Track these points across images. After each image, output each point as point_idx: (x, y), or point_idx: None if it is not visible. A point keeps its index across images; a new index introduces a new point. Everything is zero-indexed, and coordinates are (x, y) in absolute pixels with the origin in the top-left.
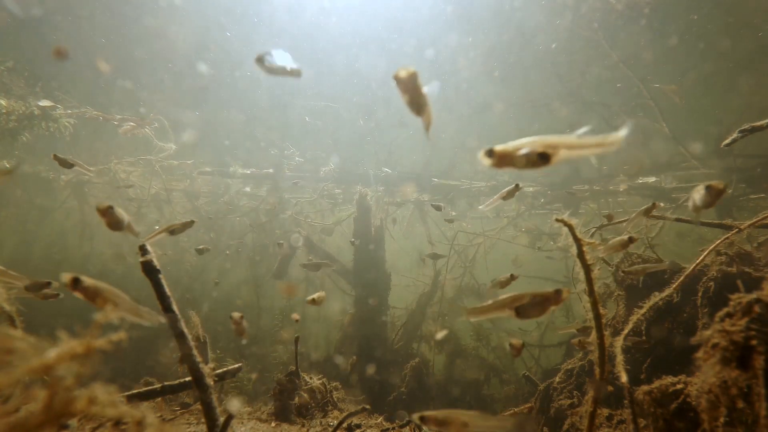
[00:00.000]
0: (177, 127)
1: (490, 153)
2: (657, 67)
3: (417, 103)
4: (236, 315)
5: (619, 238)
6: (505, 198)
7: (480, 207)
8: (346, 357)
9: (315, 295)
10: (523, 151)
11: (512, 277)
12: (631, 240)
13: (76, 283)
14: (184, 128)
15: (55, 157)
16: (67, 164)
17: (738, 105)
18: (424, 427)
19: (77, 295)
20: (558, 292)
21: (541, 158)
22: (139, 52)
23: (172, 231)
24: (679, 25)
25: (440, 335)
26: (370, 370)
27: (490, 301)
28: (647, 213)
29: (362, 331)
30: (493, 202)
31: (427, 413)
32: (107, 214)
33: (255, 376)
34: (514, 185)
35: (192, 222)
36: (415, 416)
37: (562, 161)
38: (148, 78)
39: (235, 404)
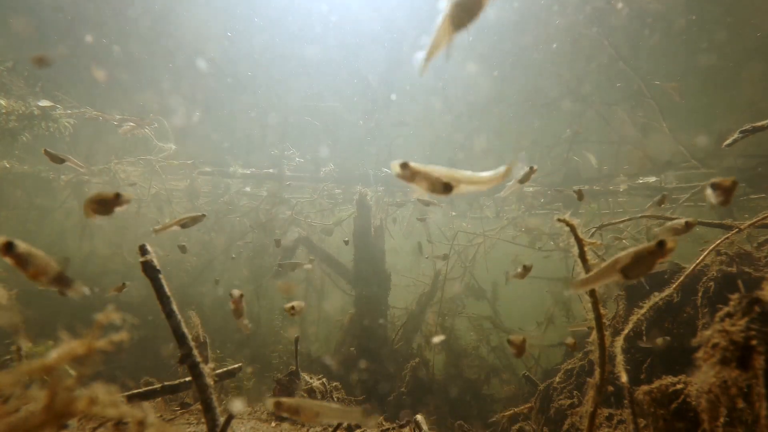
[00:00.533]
0: (177, 127)
1: (405, 166)
2: (658, 65)
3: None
4: (236, 293)
5: (676, 221)
6: (521, 181)
7: (500, 194)
8: (345, 357)
9: (294, 303)
10: (433, 177)
11: (526, 269)
12: (689, 225)
13: (8, 248)
14: (184, 127)
15: (46, 152)
16: (58, 159)
17: (739, 104)
18: (279, 414)
19: (7, 260)
20: (661, 243)
21: (445, 188)
22: (140, 52)
23: (184, 224)
24: (680, 24)
25: (438, 339)
26: (370, 370)
27: (594, 270)
28: (660, 203)
29: (362, 331)
30: (511, 188)
31: (282, 399)
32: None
33: (250, 370)
34: (529, 168)
35: (203, 216)
36: (269, 402)
37: (460, 193)
38: (149, 78)
39: (238, 405)
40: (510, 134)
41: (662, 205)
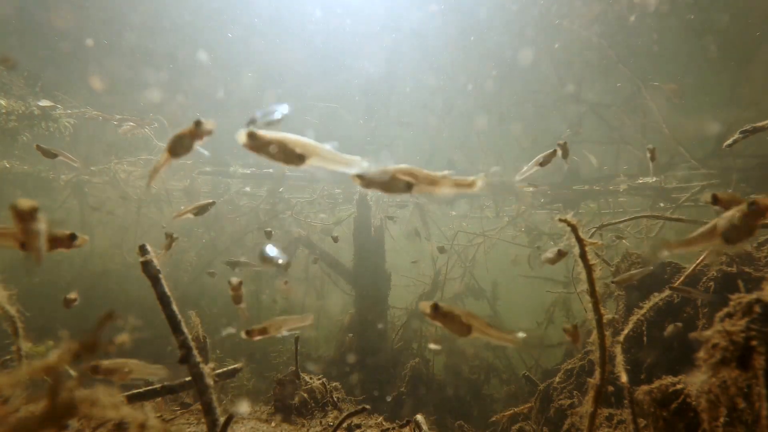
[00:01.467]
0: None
1: (252, 135)
2: (658, 66)
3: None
4: (234, 281)
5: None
6: (542, 164)
7: (516, 177)
8: (345, 357)
9: (266, 324)
10: (287, 147)
11: (561, 253)
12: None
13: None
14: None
15: (38, 147)
16: (50, 154)
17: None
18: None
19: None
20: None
21: (299, 158)
22: (140, 52)
23: (197, 212)
24: (678, 24)
25: (434, 346)
26: (370, 369)
27: (693, 233)
28: (653, 159)
29: (362, 331)
30: (530, 170)
31: (102, 362)
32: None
33: (241, 361)
34: (552, 150)
35: (213, 203)
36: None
37: (312, 165)
38: (149, 77)
39: (243, 407)
40: (511, 134)
41: (654, 161)
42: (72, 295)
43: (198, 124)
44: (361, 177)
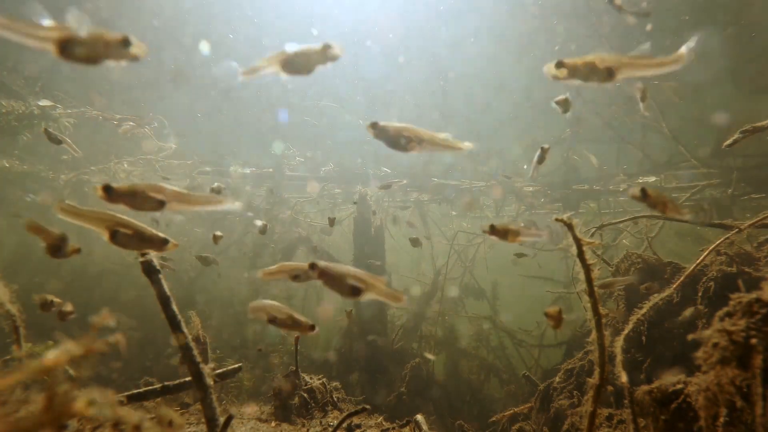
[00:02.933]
0: (177, 126)
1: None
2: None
3: None
4: (270, 304)
5: None
6: (540, 162)
7: (529, 177)
8: (345, 357)
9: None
10: None
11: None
12: None
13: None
14: (183, 127)
15: (45, 131)
16: (56, 140)
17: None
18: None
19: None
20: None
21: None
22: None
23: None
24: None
25: (430, 356)
26: (370, 370)
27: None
28: (643, 100)
29: (362, 331)
30: (534, 170)
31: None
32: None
33: (237, 360)
34: (541, 148)
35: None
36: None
37: None
38: (149, 76)
39: (249, 409)
40: (511, 134)
41: (645, 102)
42: (67, 308)
43: (327, 47)
44: (106, 190)
